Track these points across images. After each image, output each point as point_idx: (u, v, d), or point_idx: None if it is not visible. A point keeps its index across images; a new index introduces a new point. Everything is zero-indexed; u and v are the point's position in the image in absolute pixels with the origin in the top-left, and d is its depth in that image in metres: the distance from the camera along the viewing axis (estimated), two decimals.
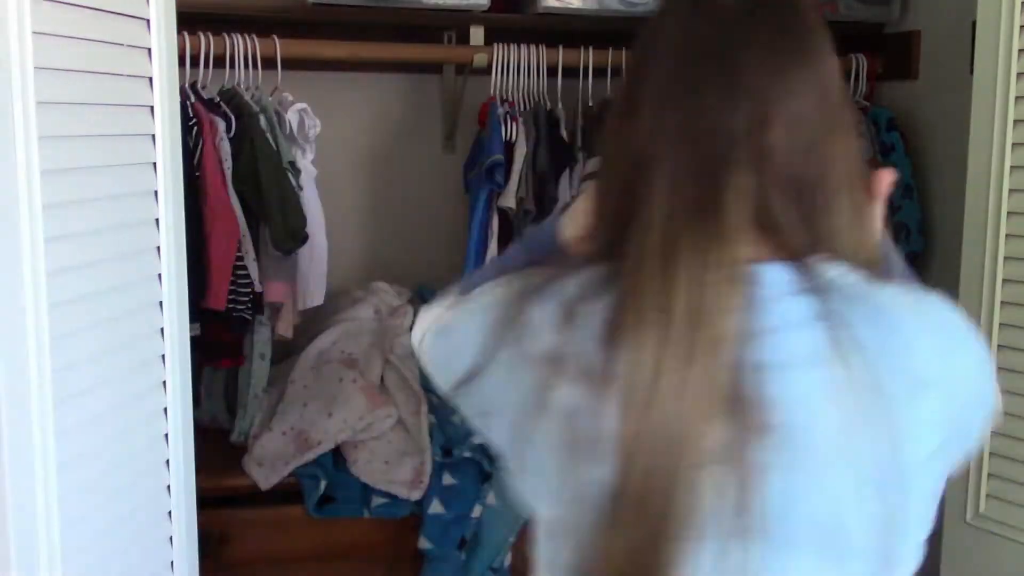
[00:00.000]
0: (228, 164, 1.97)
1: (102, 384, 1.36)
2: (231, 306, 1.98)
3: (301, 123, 2.07)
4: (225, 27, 2.07)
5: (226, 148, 1.97)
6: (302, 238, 2.00)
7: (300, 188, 2.03)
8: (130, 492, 1.43)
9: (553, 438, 0.89)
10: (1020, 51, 1.55)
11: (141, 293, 1.46)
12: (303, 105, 2.06)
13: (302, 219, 1.98)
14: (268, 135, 2.00)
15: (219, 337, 2.03)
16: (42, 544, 1.24)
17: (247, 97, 2.04)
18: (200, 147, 1.94)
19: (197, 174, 1.94)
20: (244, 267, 1.99)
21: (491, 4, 2.20)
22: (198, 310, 1.93)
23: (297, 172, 2.03)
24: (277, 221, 1.95)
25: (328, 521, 1.99)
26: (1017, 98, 1.56)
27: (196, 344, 1.80)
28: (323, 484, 1.96)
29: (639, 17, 2.27)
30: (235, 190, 1.98)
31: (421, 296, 2.39)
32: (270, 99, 2.07)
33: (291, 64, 2.14)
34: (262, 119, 2.01)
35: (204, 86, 2.04)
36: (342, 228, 2.52)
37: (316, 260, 2.10)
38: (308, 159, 2.11)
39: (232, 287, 1.98)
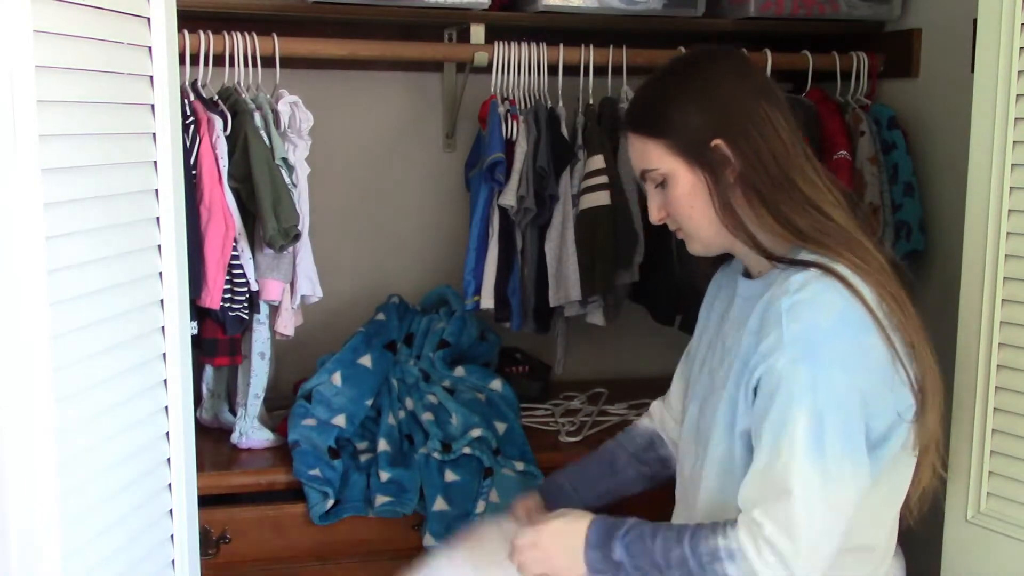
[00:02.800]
0: (224, 162, 1.97)
1: (103, 382, 1.36)
2: (226, 305, 1.98)
3: (292, 116, 2.06)
4: (225, 25, 2.07)
5: (223, 146, 1.97)
6: (295, 236, 1.99)
7: (295, 185, 2.03)
8: (131, 491, 1.43)
9: None
10: (1021, 49, 1.54)
11: (142, 291, 1.46)
12: (294, 98, 2.05)
13: (295, 217, 1.98)
14: (263, 132, 2.00)
15: (215, 336, 2.03)
16: (42, 543, 1.24)
17: (244, 95, 2.04)
18: (197, 145, 1.94)
19: (193, 172, 1.94)
20: (240, 265, 1.99)
21: (492, 2, 2.20)
22: (194, 308, 1.92)
23: (291, 168, 2.03)
24: (270, 219, 1.95)
25: None
26: (1018, 96, 1.55)
27: (194, 342, 1.80)
28: (331, 502, 1.96)
29: (639, 15, 2.27)
30: (230, 188, 1.98)
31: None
32: (268, 97, 2.06)
33: (291, 62, 2.14)
34: (257, 116, 2.00)
35: (204, 84, 2.04)
36: (342, 227, 2.52)
37: (304, 255, 2.09)
38: (301, 154, 2.08)
39: (228, 286, 1.98)
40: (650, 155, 1.45)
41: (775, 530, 1.29)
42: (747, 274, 1.52)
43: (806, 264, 1.37)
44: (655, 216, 1.50)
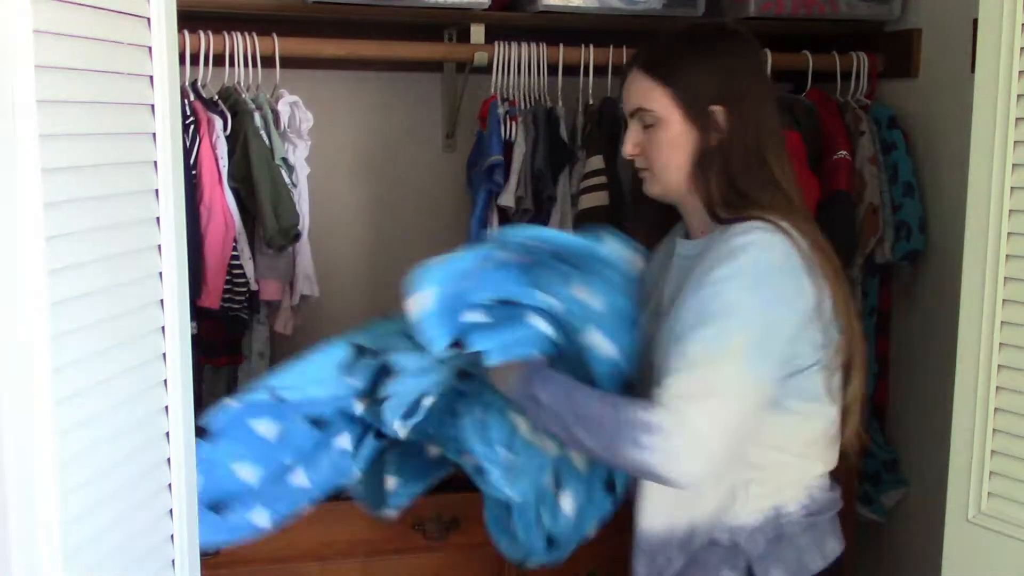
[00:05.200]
0: (224, 162, 1.97)
1: (102, 383, 1.36)
2: (226, 305, 1.98)
3: (292, 116, 2.06)
4: (225, 25, 2.07)
5: (223, 146, 1.97)
6: (294, 235, 1.99)
7: (294, 185, 2.03)
8: (131, 491, 1.42)
9: None
10: (1021, 49, 1.54)
11: (142, 291, 1.45)
12: (294, 98, 2.05)
13: (295, 217, 1.98)
14: (263, 132, 2.00)
15: (215, 336, 2.03)
16: (43, 543, 1.24)
17: (244, 95, 2.04)
18: (197, 145, 1.94)
19: (193, 172, 1.94)
20: (240, 265, 1.99)
21: (492, 2, 2.20)
22: (194, 308, 1.92)
23: (291, 168, 2.03)
24: (270, 219, 1.95)
25: (329, 518, 1.98)
26: (1019, 96, 1.55)
27: (194, 343, 1.80)
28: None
29: (639, 15, 2.27)
30: (230, 188, 1.98)
31: None
32: (268, 97, 2.06)
33: (291, 62, 2.14)
34: (257, 116, 2.01)
35: (204, 84, 2.04)
36: (342, 227, 2.52)
37: (303, 255, 2.10)
38: (301, 154, 2.08)
39: (228, 286, 1.98)
40: (652, 97, 1.57)
41: (701, 421, 1.43)
42: (686, 235, 1.63)
43: (751, 218, 1.52)
44: (629, 150, 1.62)
